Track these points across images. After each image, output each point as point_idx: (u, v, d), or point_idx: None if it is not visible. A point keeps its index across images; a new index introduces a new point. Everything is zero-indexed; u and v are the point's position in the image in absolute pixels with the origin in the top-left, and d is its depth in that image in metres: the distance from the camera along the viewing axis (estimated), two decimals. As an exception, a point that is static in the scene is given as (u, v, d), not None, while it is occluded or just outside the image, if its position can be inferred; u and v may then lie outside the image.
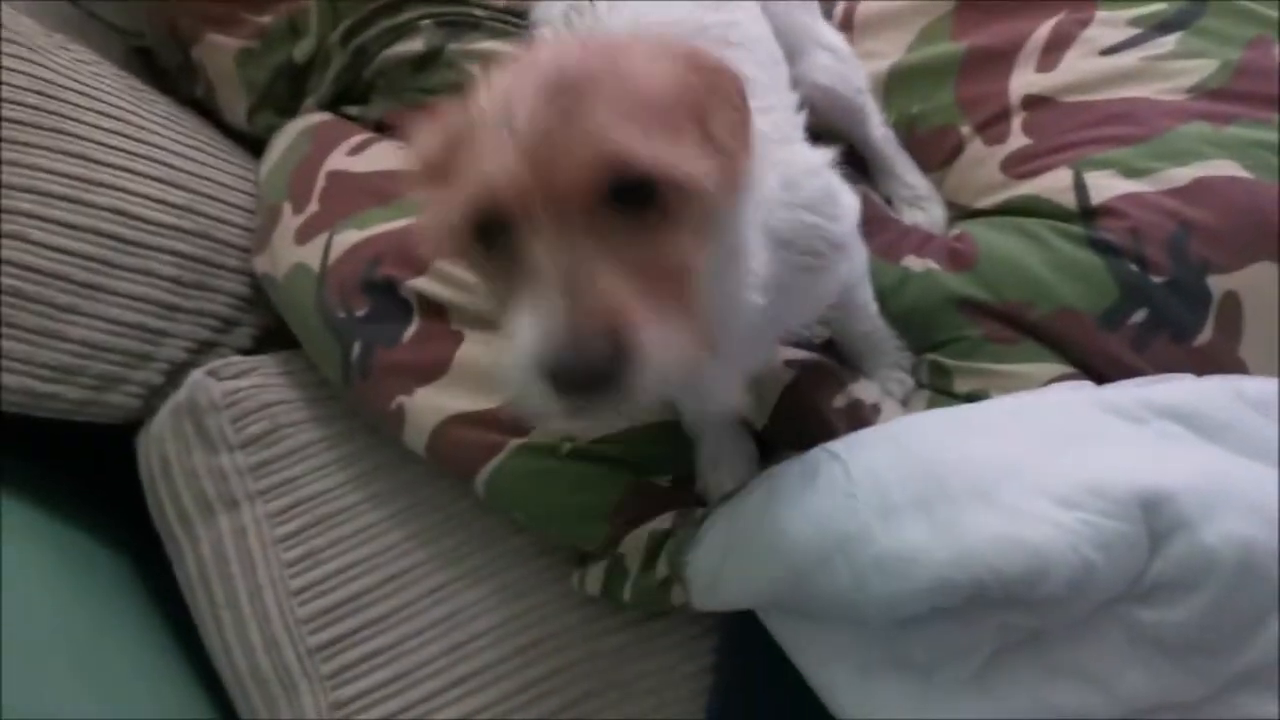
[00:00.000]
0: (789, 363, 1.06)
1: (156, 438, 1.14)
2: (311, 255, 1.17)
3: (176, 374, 1.18)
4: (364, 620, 1.06)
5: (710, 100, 0.67)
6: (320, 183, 1.22)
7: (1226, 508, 0.77)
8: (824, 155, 0.87)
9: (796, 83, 1.02)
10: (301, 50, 1.38)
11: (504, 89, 0.64)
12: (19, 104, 1.13)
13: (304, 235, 1.19)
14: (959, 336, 1.05)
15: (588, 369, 0.59)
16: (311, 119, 1.34)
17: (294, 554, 1.08)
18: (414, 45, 1.30)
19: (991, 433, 0.88)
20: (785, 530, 0.86)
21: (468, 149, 0.64)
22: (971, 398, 1.04)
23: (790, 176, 0.82)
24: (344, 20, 1.35)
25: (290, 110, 1.40)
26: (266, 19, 1.38)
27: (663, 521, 1.02)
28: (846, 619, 0.87)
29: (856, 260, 0.95)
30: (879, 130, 1.20)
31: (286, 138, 1.33)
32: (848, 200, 0.90)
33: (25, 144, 1.11)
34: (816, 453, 0.91)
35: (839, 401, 1.05)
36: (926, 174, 1.21)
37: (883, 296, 1.07)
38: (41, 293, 1.08)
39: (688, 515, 1.01)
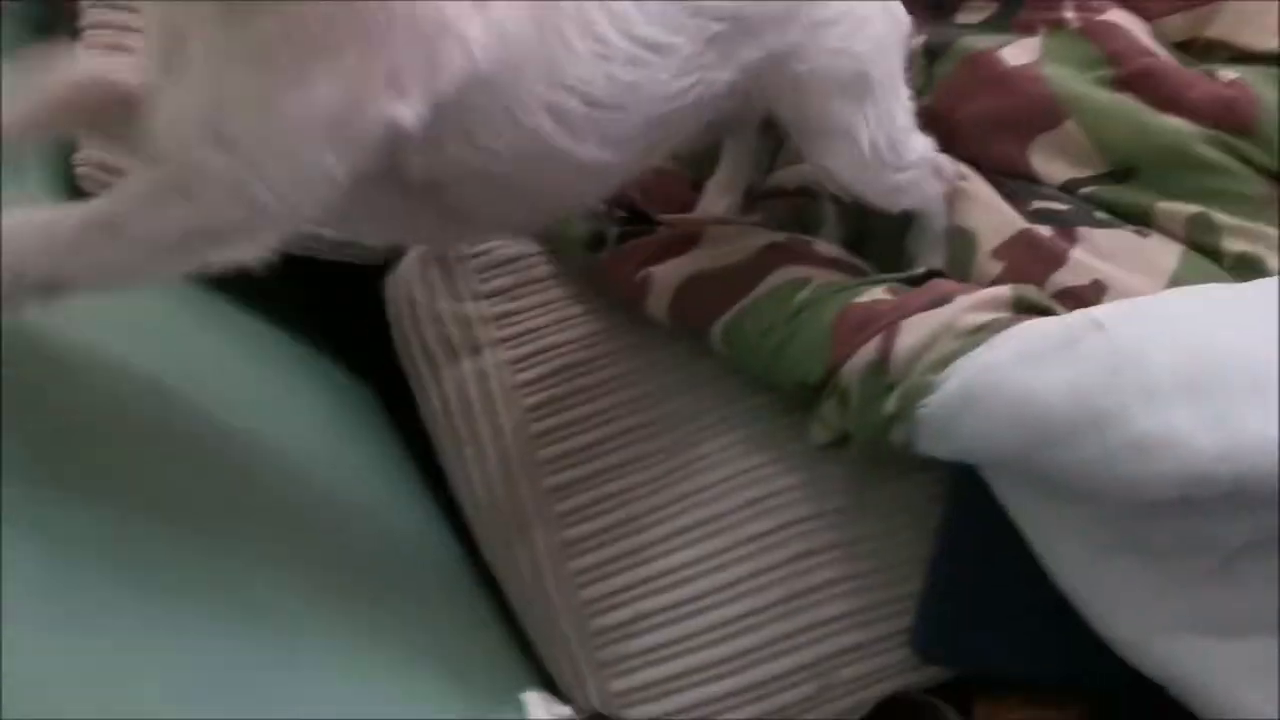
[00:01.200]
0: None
1: (405, 282, 1.21)
2: None
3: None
4: (598, 468, 1.12)
5: None
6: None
7: None
8: None
9: None
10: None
11: None
12: None
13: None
14: (1237, 190, 1.04)
15: None
16: None
17: (534, 400, 1.14)
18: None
19: (1271, 322, 0.85)
20: (1036, 394, 0.85)
21: None
22: (1241, 260, 1.03)
23: None
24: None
25: None
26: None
27: (868, 352, 1.01)
28: (1082, 496, 0.87)
29: None
30: None
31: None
32: None
33: None
34: (1079, 318, 0.89)
35: (1051, 288, 1.05)
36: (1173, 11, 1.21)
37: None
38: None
39: (892, 339, 1.00)
